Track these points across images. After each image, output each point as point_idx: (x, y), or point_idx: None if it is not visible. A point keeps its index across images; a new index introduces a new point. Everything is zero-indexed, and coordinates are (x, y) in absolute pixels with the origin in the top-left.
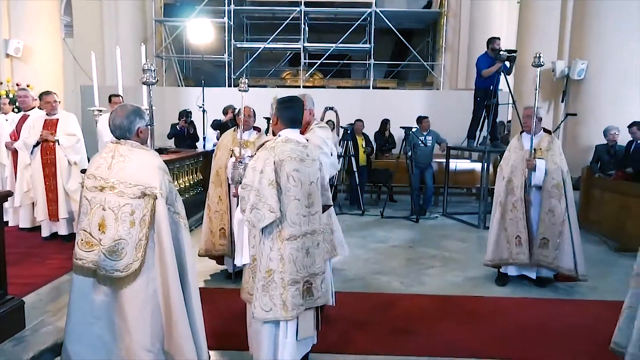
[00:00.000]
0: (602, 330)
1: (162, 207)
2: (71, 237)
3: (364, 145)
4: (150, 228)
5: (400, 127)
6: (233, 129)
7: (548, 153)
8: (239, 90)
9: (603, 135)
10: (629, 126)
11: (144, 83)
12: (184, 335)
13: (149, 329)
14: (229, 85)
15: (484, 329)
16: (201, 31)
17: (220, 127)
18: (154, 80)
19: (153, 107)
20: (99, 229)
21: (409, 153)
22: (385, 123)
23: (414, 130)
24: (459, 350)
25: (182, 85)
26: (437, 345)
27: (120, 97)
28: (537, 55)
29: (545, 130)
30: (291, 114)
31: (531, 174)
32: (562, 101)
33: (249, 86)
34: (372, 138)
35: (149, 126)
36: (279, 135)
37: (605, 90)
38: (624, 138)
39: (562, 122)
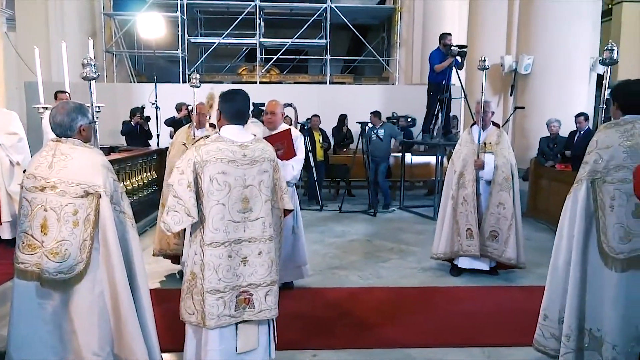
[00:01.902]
0: None
1: (106, 206)
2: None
3: (321, 141)
4: (94, 228)
5: (357, 122)
6: (187, 125)
7: (497, 147)
8: (191, 87)
9: (546, 127)
10: (576, 116)
11: (84, 78)
12: (135, 337)
13: (97, 332)
14: (184, 82)
15: (440, 318)
16: (153, 25)
17: (174, 124)
18: (94, 75)
19: (102, 105)
20: (41, 231)
21: (365, 147)
22: (342, 118)
23: (369, 125)
24: (416, 341)
25: (134, 82)
26: (395, 337)
27: (67, 94)
28: (482, 58)
29: (494, 124)
30: (234, 107)
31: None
32: (511, 95)
33: (204, 82)
34: (329, 133)
35: (92, 124)
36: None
37: (551, 84)
38: (567, 130)
39: (511, 115)
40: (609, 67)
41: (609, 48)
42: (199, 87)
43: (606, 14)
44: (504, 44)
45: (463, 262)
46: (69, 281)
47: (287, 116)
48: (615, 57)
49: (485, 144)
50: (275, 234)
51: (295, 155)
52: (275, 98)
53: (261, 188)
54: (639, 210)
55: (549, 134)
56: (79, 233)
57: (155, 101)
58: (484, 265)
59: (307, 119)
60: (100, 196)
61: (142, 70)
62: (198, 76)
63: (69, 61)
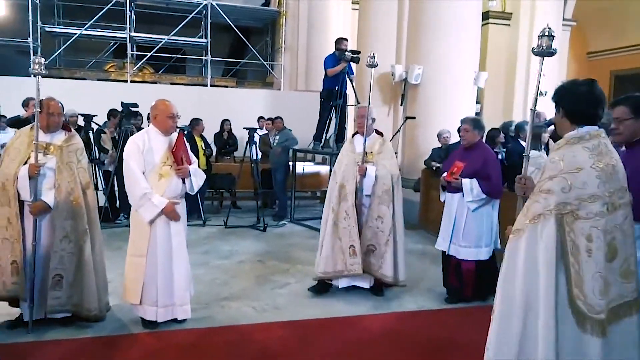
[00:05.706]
0: None
1: None
2: None
3: (203, 148)
4: None
5: (244, 128)
6: (30, 126)
7: (379, 156)
8: (33, 75)
9: (437, 138)
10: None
11: None
12: None
13: None
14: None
15: (347, 354)
16: None
17: (18, 123)
18: None
19: None
20: None
21: (254, 155)
22: (223, 123)
23: (258, 130)
24: None
25: None
26: None
27: None
28: (372, 54)
29: (378, 132)
30: None
31: (362, 180)
32: (402, 104)
33: (63, 78)
34: (210, 140)
35: None
36: None
37: (439, 94)
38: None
39: (402, 125)
40: (543, 58)
41: (547, 34)
42: (44, 73)
43: None
44: (394, 52)
45: (342, 282)
46: None
47: None
48: (553, 47)
49: (366, 153)
50: None
51: (190, 160)
52: (149, 99)
53: None
54: (611, 252)
55: (440, 145)
56: None
57: None
58: (364, 283)
59: (187, 125)
60: None
61: None
62: (43, 60)
63: None
